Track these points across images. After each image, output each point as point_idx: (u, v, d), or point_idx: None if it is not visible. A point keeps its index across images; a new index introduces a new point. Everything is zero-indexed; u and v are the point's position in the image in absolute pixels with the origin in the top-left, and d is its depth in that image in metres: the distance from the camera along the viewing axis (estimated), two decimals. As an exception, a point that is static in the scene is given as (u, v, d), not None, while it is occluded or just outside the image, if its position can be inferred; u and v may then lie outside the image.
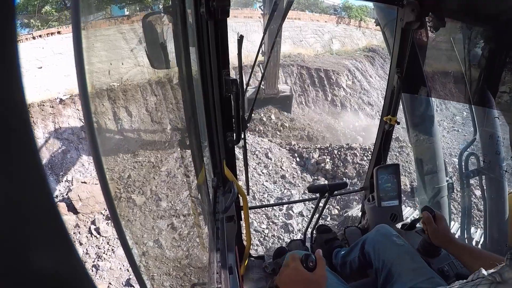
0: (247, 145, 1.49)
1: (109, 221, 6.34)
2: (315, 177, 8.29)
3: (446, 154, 9.25)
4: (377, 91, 13.35)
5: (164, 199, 6.79)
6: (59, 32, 9.12)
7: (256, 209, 6.76)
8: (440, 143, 2.71)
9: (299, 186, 7.98)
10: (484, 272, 0.69)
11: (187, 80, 1.27)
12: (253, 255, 1.87)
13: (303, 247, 1.91)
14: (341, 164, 8.34)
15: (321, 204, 1.79)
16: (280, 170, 8.35)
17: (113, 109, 9.11)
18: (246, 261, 1.70)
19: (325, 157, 8.60)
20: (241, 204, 1.54)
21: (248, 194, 1.54)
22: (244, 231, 1.64)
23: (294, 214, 6.83)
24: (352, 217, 6.12)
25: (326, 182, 8.06)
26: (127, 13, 10.84)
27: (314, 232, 1.97)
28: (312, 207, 7.03)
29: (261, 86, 10.44)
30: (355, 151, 8.51)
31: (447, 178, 2.70)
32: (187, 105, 1.34)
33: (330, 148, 8.90)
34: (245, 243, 1.68)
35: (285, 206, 7.04)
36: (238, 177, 1.51)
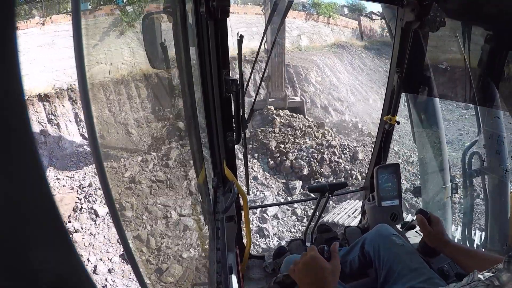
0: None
1: (75, 233, 6.03)
2: (289, 178, 8.05)
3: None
4: (346, 87, 13.44)
5: (164, 199, 6.77)
6: (16, 28, 8.72)
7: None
8: (445, 142, 2.70)
9: (272, 187, 7.76)
10: (479, 275, 0.68)
11: (187, 80, 1.27)
12: (253, 255, 1.87)
13: (303, 247, 1.91)
14: (315, 162, 8.11)
15: (321, 204, 1.79)
16: (252, 172, 8.06)
17: (113, 108, 9.04)
18: (246, 261, 1.70)
19: (298, 155, 8.35)
20: (241, 204, 1.54)
21: (248, 194, 1.54)
22: (244, 231, 1.64)
23: (269, 218, 6.65)
24: (328, 222, 5.77)
25: (300, 182, 7.89)
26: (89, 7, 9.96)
27: (315, 231, 1.97)
28: (287, 209, 6.96)
29: (267, 88, 10.24)
30: (334, 149, 8.35)
31: (451, 178, 2.69)
32: (187, 105, 1.34)
33: (304, 146, 8.71)
34: (245, 243, 1.68)
35: (259, 209, 6.82)
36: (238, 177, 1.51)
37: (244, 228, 1.59)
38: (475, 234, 3.10)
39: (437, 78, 1.81)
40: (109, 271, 5.50)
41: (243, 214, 1.55)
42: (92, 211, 6.48)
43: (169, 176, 7.30)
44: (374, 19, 19.65)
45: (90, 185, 7.08)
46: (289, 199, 7.41)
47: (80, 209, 6.52)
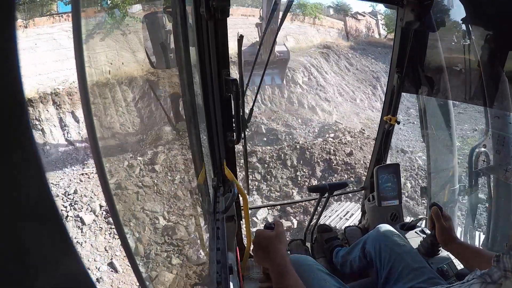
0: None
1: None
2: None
3: (404, 146, 9.51)
4: (333, 87, 13.42)
5: (164, 199, 6.77)
6: (16, 28, 8.55)
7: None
8: (455, 143, 2.69)
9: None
10: (479, 273, 0.72)
11: (187, 80, 1.27)
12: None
13: (303, 247, 1.91)
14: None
15: (321, 204, 1.79)
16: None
17: (113, 108, 9.01)
18: (246, 261, 1.70)
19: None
20: (241, 204, 1.54)
21: (248, 194, 1.54)
22: (244, 231, 1.64)
23: (259, 221, 6.60)
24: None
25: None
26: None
27: (315, 231, 1.97)
28: (277, 213, 6.97)
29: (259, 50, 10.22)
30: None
31: (459, 179, 2.69)
32: (187, 105, 1.34)
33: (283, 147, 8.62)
34: (245, 243, 1.68)
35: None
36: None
37: (244, 228, 1.59)
38: (477, 233, 3.10)
39: (437, 78, 1.81)
40: (144, 254, 5.48)
41: (243, 214, 1.55)
42: (79, 218, 6.31)
43: (169, 176, 7.29)
44: (359, 20, 19.65)
45: (75, 192, 6.89)
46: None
47: (66, 217, 6.32)
